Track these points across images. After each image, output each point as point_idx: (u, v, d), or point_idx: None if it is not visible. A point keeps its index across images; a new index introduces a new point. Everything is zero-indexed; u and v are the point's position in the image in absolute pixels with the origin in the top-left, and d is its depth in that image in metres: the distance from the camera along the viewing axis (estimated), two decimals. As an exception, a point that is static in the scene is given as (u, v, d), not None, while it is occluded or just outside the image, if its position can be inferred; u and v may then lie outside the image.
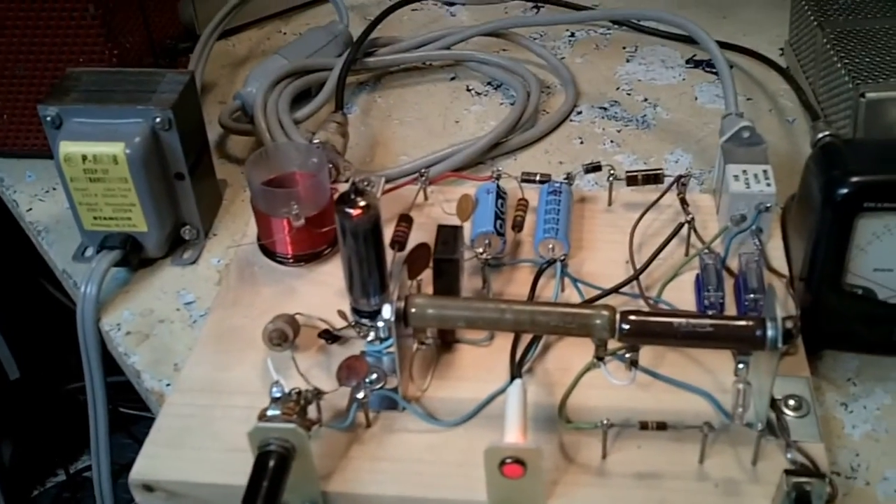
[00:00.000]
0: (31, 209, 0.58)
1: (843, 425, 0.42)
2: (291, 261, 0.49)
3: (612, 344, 0.38)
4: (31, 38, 0.55)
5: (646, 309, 0.44)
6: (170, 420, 0.42)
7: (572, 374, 0.42)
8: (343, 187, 0.50)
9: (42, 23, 0.54)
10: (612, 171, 0.50)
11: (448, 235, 0.41)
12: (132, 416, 1.14)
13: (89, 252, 0.53)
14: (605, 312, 0.38)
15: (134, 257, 0.51)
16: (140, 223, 0.50)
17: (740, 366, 0.38)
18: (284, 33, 0.73)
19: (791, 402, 0.40)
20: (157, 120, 0.48)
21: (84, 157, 0.48)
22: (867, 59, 0.53)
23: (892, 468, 0.40)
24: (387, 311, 0.39)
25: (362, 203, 0.41)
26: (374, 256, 0.42)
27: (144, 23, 0.60)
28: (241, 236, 0.52)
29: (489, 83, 0.65)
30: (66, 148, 0.48)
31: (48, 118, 0.49)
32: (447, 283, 0.41)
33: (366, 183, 0.49)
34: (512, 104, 0.63)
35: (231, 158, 0.60)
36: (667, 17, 0.60)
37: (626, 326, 0.37)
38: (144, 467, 0.39)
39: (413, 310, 0.39)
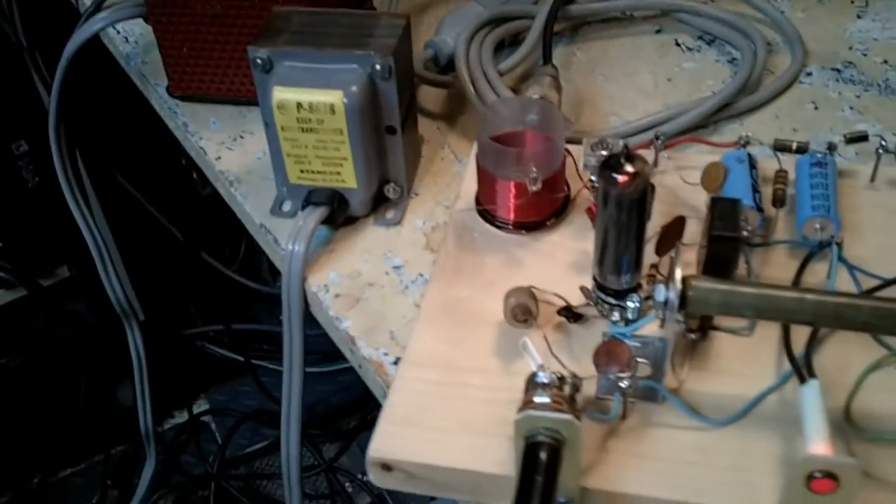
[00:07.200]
0: (219, 157, 0.55)
1: None
2: (511, 228, 0.45)
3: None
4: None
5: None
6: (404, 396, 0.39)
7: (852, 375, 0.37)
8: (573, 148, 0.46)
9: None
10: (882, 142, 0.44)
11: (727, 210, 0.37)
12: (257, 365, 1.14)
13: (286, 206, 0.50)
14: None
15: (340, 215, 0.48)
16: (349, 179, 0.47)
17: None
18: (466, -22, 0.68)
19: None
20: (378, 67, 0.44)
21: (299, 105, 0.45)
22: None
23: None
24: (661, 294, 0.34)
25: (631, 169, 0.36)
26: (636, 230, 0.38)
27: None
28: (454, 198, 0.48)
29: (700, 37, 0.59)
30: (281, 94, 0.45)
31: (258, 60, 0.45)
32: (723, 266, 0.37)
33: (603, 146, 0.45)
34: (729, 61, 0.57)
35: (423, 112, 0.56)
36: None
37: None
38: (384, 445, 0.37)
39: (692, 293, 0.34)
